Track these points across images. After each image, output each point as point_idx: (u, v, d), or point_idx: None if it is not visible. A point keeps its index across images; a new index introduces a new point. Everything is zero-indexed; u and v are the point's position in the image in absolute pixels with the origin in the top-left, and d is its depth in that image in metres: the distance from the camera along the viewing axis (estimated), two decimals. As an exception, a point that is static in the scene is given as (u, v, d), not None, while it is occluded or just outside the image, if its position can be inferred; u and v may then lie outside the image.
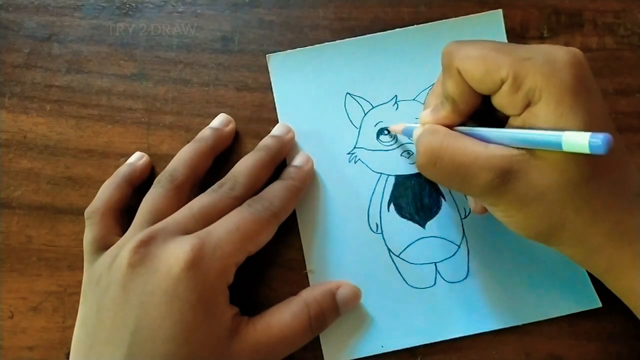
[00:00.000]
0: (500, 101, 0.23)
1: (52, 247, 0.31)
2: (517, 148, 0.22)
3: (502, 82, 0.22)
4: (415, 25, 0.32)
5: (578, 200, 0.22)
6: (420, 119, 0.27)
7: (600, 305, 0.29)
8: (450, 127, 0.25)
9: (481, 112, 0.25)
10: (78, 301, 0.26)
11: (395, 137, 0.32)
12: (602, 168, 0.22)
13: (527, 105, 0.22)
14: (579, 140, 0.18)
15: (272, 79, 0.32)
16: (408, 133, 0.29)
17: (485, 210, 0.27)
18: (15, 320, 0.30)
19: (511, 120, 0.23)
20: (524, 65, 0.21)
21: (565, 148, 0.19)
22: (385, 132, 0.32)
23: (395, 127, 0.31)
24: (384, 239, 0.30)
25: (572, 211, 0.22)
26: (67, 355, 0.28)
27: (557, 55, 0.21)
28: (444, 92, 0.25)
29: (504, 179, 0.22)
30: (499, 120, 0.24)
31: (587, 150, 0.18)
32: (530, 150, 0.22)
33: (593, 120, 0.21)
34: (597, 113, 0.21)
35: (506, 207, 0.23)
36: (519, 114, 0.22)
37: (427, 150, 0.24)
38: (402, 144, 0.31)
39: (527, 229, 0.24)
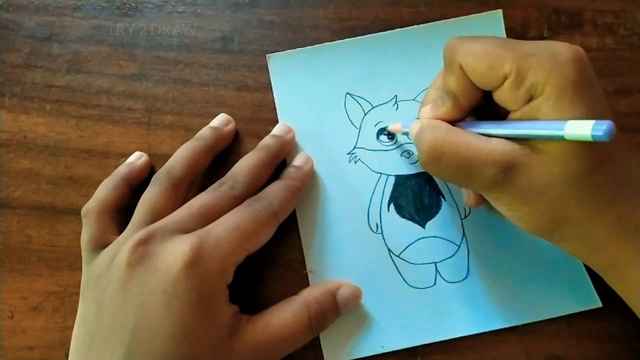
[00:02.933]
0: (502, 96, 0.23)
1: (52, 247, 0.31)
2: (519, 142, 0.22)
3: (505, 78, 0.22)
4: (415, 25, 0.32)
5: (581, 194, 0.22)
6: (420, 114, 0.27)
7: (600, 305, 0.29)
8: (451, 122, 0.25)
9: (481, 107, 0.25)
10: (78, 301, 0.26)
11: (395, 137, 0.32)
12: (605, 161, 0.22)
13: (529, 100, 0.22)
14: (581, 129, 0.18)
15: (272, 79, 0.32)
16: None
17: (480, 203, 0.27)
18: (15, 320, 0.30)
19: (511, 115, 0.23)
20: (527, 60, 0.21)
21: (568, 137, 0.19)
22: (385, 132, 0.32)
23: (394, 127, 0.31)
24: (384, 239, 0.30)
25: (575, 205, 0.22)
26: (67, 355, 0.28)
27: (560, 50, 0.21)
28: (445, 88, 0.25)
29: (507, 173, 0.22)
30: (499, 115, 0.24)
31: (589, 138, 0.18)
32: (532, 145, 0.22)
33: (593, 115, 0.21)
34: (597, 109, 0.21)
35: (510, 201, 0.23)
36: (518, 109, 0.22)
37: (431, 147, 0.24)
38: (402, 144, 0.31)
39: (530, 224, 0.24)
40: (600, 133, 0.17)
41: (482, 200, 0.27)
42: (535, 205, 0.22)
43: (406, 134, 0.30)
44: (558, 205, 0.22)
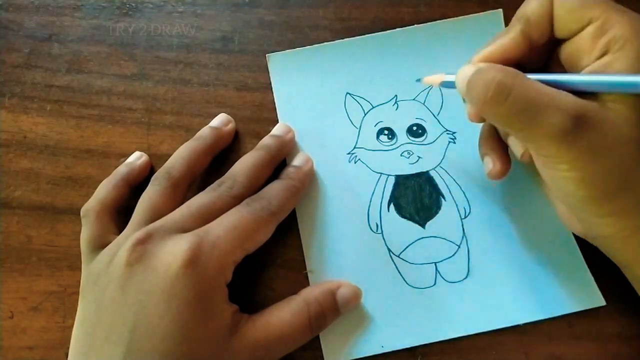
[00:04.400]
0: (578, 45, 0.22)
1: (52, 247, 0.31)
2: (590, 98, 0.21)
3: (589, 23, 0.22)
4: (415, 25, 0.32)
5: None
6: (476, 55, 0.25)
7: (604, 303, 0.28)
8: (510, 60, 0.24)
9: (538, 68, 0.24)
10: (78, 301, 0.26)
11: (395, 137, 0.32)
12: None
13: (603, 54, 0.21)
14: None
15: (272, 79, 0.32)
16: (448, 85, 0.27)
17: (504, 172, 0.26)
18: (15, 320, 0.30)
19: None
20: (618, 13, 0.21)
21: None
22: (386, 131, 0.32)
23: (432, 78, 0.28)
24: (384, 239, 0.30)
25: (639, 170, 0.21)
26: (67, 355, 0.28)
27: None
28: (521, 12, 0.24)
29: (577, 124, 0.21)
30: None
31: None
32: (604, 102, 0.21)
33: None
34: None
35: (575, 158, 0.22)
36: (590, 64, 0.22)
37: (499, 84, 0.22)
38: (402, 144, 0.31)
39: (591, 186, 0.22)
40: None
41: (507, 170, 0.26)
42: (603, 164, 0.21)
43: (448, 84, 0.27)
44: (625, 166, 0.21)
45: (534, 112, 0.21)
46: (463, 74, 0.24)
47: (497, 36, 0.25)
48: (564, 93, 0.22)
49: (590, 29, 0.21)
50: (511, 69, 0.23)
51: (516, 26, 0.24)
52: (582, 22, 0.22)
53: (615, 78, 0.21)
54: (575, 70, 0.23)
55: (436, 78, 0.28)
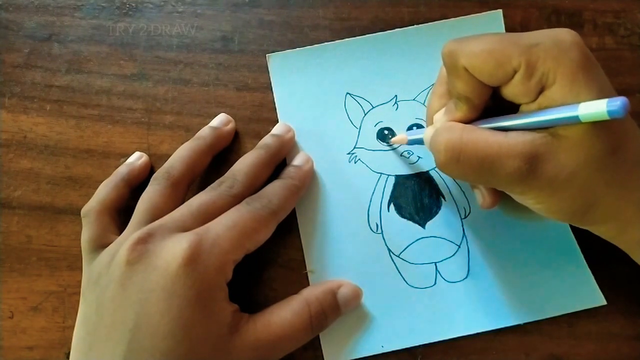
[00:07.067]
0: (513, 91, 0.23)
1: (52, 247, 0.31)
2: (538, 132, 0.22)
3: (515, 72, 0.22)
4: (415, 25, 0.32)
5: (607, 174, 0.22)
6: (434, 121, 0.27)
7: (604, 302, 0.29)
8: (465, 123, 0.25)
9: (488, 105, 0.25)
10: (78, 301, 0.26)
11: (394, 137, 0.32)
12: (624, 139, 0.22)
13: (541, 90, 0.22)
14: (596, 108, 0.19)
15: (272, 79, 0.32)
16: (415, 142, 0.29)
17: (496, 203, 0.27)
18: (15, 320, 0.30)
19: (523, 108, 0.23)
20: (534, 51, 0.21)
21: (583, 118, 0.19)
22: (386, 131, 0.32)
23: (398, 138, 0.30)
24: (384, 239, 0.30)
25: (603, 186, 0.22)
26: (67, 355, 0.28)
27: (562, 36, 0.22)
28: (454, 93, 0.25)
29: (531, 164, 0.22)
30: (507, 110, 0.24)
31: (605, 116, 0.18)
32: (553, 133, 0.22)
33: (606, 95, 0.21)
34: (607, 86, 0.22)
35: (537, 194, 0.23)
36: (533, 101, 0.22)
37: (449, 146, 0.23)
38: (402, 144, 0.31)
39: (560, 212, 0.23)
40: (615, 108, 0.18)
41: (498, 200, 0.27)
42: (565, 192, 0.22)
43: (412, 142, 0.29)
44: (587, 188, 0.22)
45: (488, 164, 0.22)
46: (426, 136, 0.26)
47: (448, 109, 0.26)
48: (513, 134, 0.22)
49: (518, 77, 0.22)
50: (458, 126, 0.24)
51: (461, 105, 0.25)
52: (508, 75, 0.22)
53: (555, 115, 0.21)
54: (519, 104, 0.24)
55: (402, 138, 0.30)
